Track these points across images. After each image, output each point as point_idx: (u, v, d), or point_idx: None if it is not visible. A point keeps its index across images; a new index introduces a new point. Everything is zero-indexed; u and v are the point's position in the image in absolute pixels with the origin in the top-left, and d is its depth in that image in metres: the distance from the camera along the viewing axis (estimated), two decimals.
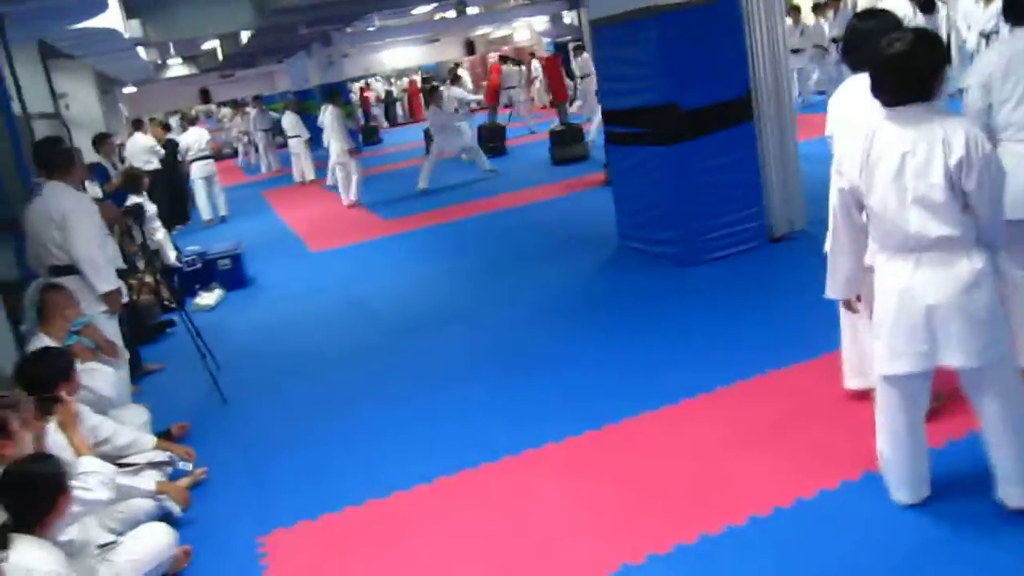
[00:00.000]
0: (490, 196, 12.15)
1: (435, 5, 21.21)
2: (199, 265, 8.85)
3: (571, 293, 7.01)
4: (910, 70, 2.84)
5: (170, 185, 13.35)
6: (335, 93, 16.24)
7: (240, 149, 26.01)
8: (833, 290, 3.30)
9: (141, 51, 12.50)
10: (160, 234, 9.23)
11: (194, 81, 28.68)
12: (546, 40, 27.46)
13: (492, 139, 16.80)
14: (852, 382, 4.19)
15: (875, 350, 3.09)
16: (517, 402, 5.00)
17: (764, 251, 7.03)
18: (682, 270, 6.88)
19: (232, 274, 8.92)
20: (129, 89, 24.74)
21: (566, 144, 14.01)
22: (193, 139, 13.79)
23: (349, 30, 22.18)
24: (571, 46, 25.02)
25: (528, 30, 29.83)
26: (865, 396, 4.10)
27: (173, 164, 13.63)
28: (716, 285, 6.45)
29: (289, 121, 17.16)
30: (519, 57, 28.80)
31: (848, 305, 3.39)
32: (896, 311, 2.94)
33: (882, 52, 2.86)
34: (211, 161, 13.92)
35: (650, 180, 7.08)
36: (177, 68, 25.19)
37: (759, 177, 7.03)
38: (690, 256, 6.89)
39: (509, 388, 5.22)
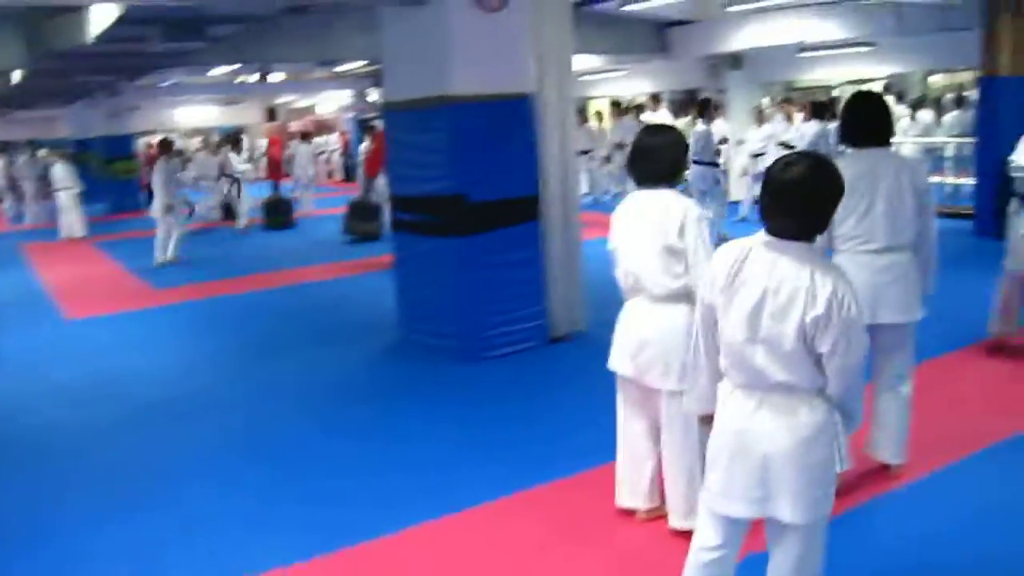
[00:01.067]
0: (271, 271, 11.60)
1: (236, 67, 20.62)
2: None
3: (344, 383, 6.62)
4: (799, 200, 2.59)
5: None
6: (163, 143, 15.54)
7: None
8: (690, 403, 3.08)
9: None
10: None
11: None
12: (348, 115, 27.27)
13: (277, 212, 16.25)
14: (625, 500, 4.06)
15: (707, 481, 2.89)
16: (260, 507, 4.51)
17: (544, 351, 6.96)
18: (461, 366, 6.67)
19: None
20: None
21: (361, 220, 13.69)
22: None
23: (140, 83, 21.11)
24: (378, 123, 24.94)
25: (332, 103, 29.61)
26: (633, 514, 4.00)
27: None
28: (492, 386, 6.27)
29: (60, 171, 15.91)
30: (318, 129, 28.51)
31: (704, 420, 3.13)
32: (732, 452, 2.74)
33: (775, 175, 2.62)
34: None
35: (434, 271, 6.88)
36: None
37: (543, 276, 7.00)
38: (470, 352, 6.71)
39: (254, 490, 4.73)
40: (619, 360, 3.91)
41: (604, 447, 4.17)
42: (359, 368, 6.98)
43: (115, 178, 20.93)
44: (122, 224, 18.49)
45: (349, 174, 27.29)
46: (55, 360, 7.69)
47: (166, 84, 23.10)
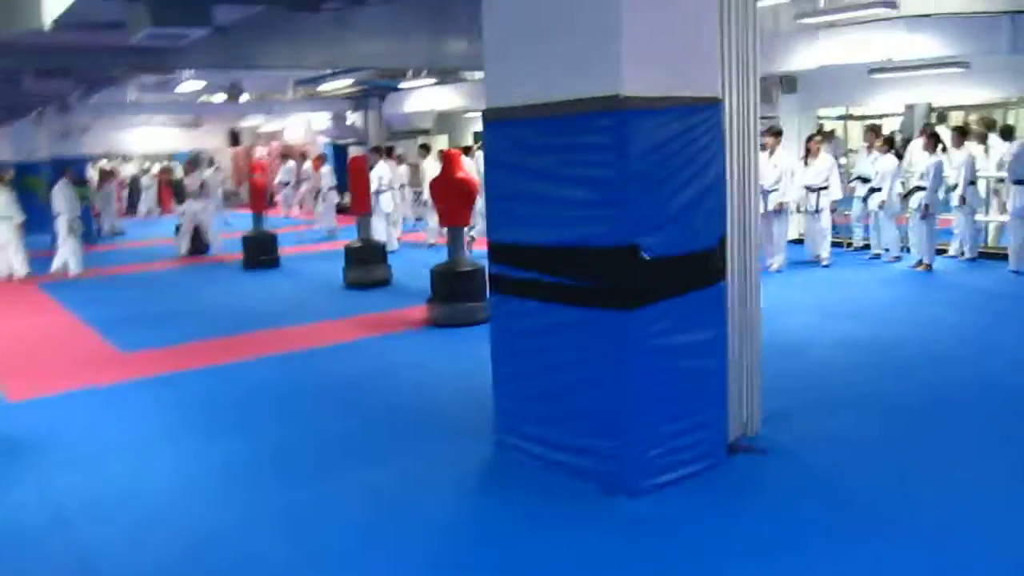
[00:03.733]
0: (269, 327, 9.21)
1: (204, 84, 18.25)
2: None
3: (424, 530, 4.30)
4: None
5: None
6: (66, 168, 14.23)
7: None
8: None
9: None
10: None
11: None
12: (323, 140, 24.91)
13: (261, 251, 13.84)
14: None
15: None
16: None
17: (725, 473, 4.75)
18: (612, 501, 4.43)
19: None
20: None
21: (364, 264, 11.40)
22: None
23: (94, 99, 18.61)
24: (355, 149, 22.67)
25: (303, 127, 27.22)
26: None
27: None
28: (669, 545, 4.02)
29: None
30: (290, 155, 26.11)
31: None
32: None
33: None
34: None
35: (570, 354, 4.63)
36: None
37: (724, 363, 4.81)
38: (625, 478, 4.46)
39: None
40: None
41: None
42: (442, 502, 4.65)
43: None
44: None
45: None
46: None
47: (122, 101, 20.58)
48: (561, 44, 4.44)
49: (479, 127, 20.81)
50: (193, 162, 18.56)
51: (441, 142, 21.30)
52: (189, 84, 17.06)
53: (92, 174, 21.88)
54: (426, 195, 15.84)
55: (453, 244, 8.80)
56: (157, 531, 4.36)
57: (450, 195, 8.63)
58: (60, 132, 18.43)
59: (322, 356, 7.93)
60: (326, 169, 19.61)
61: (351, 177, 11.57)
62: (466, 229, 15.18)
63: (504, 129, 4.85)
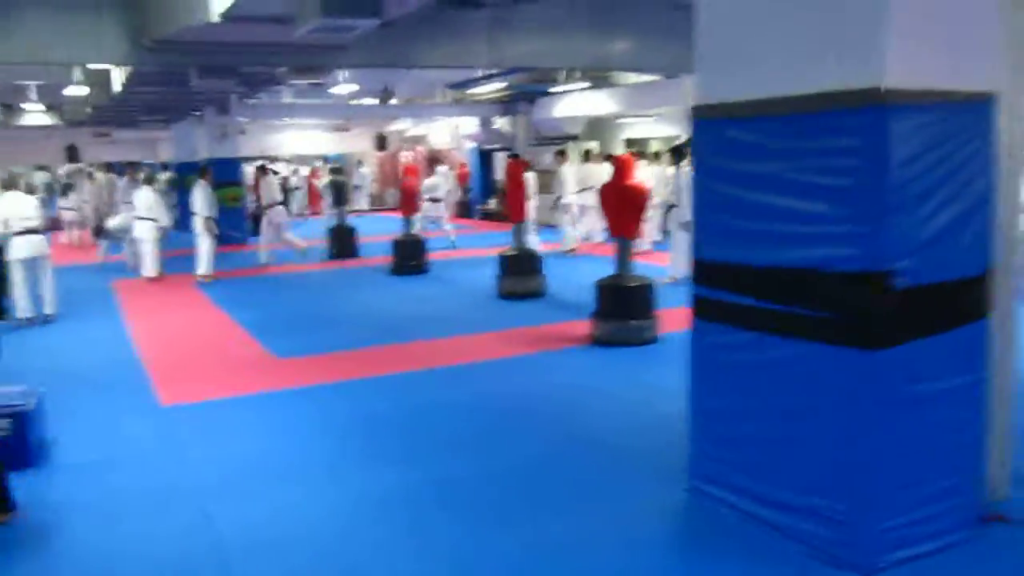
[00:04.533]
0: (425, 338, 8.79)
1: (356, 88, 18.25)
2: None
3: None
4: None
5: None
6: (203, 169, 14.14)
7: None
8: None
9: None
10: None
11: (60, 135, 24.60)
12: (470, 145, 24.72)
13: (410, 256, 13.56)
14: None
15: None
16: None
17: (976, 549, 3.93)
18: (834, 574, 3.69)
19: (10, 446, 5.22)
20: None
21: (519, 274, 10.90)
22: (10, 207, 9.95)
23: (251, 101, 18.94)
24: (503, 155, 22.37)
25: (449, 131, 27.16)
26: None
27: None
28: None
29: (142, 198, 13.54)
30: (438, 158, 26.03)
31: None
32: None
33: None
34: (37, 237, 10.11)
35: (794, 398, 3.92)
36: (36, 116, 21.23)
37: (983, 415, 4.00)
38: (860, 551, 3.71)
39: None
40: None
41: None
42: (630, 562, 3.97)
43: (222, 205, 18.58)
44: (228, 259, 16.10)
45: (466, 210, 24.74)
46: (141, 490, 4.94)
47: (278, 104, 20.91)
48: (801, 26, 3.73)
49: (630, 133, 20.20)
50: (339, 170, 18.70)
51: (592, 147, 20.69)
52: (343, 87, 17.05)
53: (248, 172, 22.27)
54: (566, 201, 15.34)
55: (622, 256, 8.15)
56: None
57: (621, 203, 8.00)
58: (218, 133, 18.78)
59: (483, 372, 7.42)
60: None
61: (509, 183, 11.09)
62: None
63: (719, 129, 4.17)
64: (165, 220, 13.83)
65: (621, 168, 8.07)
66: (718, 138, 4.19)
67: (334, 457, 5.43)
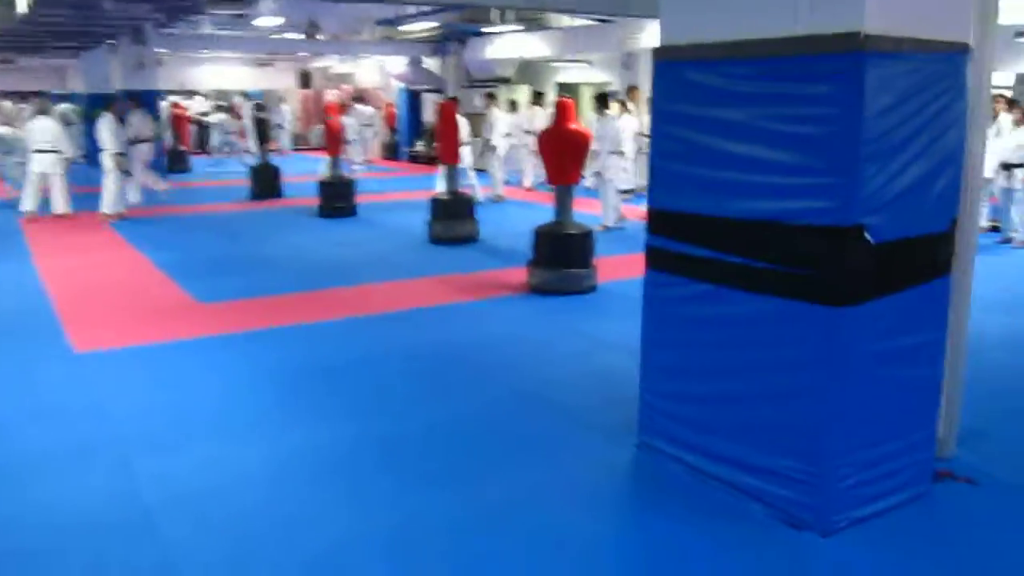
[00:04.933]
0: (355, 283, 8.49)
1: (281, 21, 17.51)
2: None
3: (559, 562, 3.50)
4: None
5: None
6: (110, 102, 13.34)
7: None
8: None
9: None
10: None
11: None
12: (398, 85, 24.07)
13: (337, 197, 13.13)
14: None
15: None
16: None
17: (929, 506, 3.90)
18: (794, 536, 3.61)
19: None
20: None
21: (451, 219, 10.62)
22: None
23: (169, 31, 18.03)
24: (432, 96, 21.87)
25: (376, 70, 26.44)
26: None
27: None
28: None
29: (39, 128, 12.59)
30: (364, 97, 25.30)
31: None
32: None
33: None
34: None
35: (755, 353, 3.79)
36: None
37: (942, 368, 3.94)
38: (821, 511, 3.62)
39: None
40: None
41: None
42: (579, 521, 3.81)
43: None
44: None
45: (392, 152, 24.18)
46: (60, 446, 4.59)
47: (197, 35, 19.98)
48: None
49: (562, 77, 19.89)
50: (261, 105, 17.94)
51: (522, 91, 20.35)
52: (266, 19, 16.35)
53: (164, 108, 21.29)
54: (495, 145, 15.02)
55: (561, 203, 7.94)
56: (248, 541, 3.66)
57: (563, 149, 7.77)
58: (133, 64, 17.83)
59: (418, 320, 7.17)
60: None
61: (441, 124, 10.74)
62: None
63: (682, 72, 3.95)
64: (69, 151, 13.02)
65: (562, 112, 7.82)
66: (681, 82, 3.97)
67: (262, 410, 5.14)
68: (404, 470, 4.31)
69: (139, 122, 14.38)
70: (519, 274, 8.40)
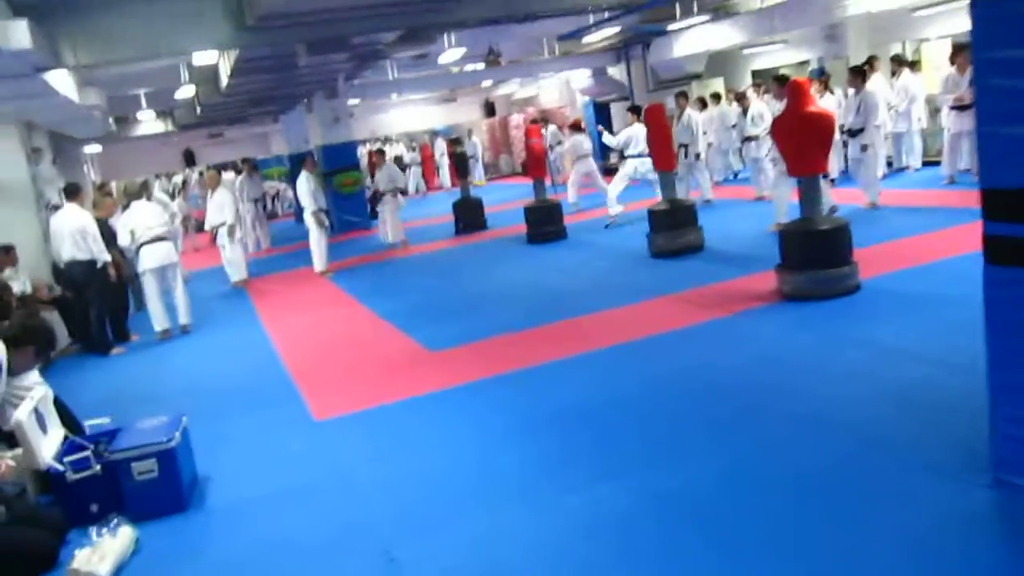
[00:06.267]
0: (587, 312, 7.86)
1: (463, 52, 17.36)
2: (92, 469, 4.55)
3: None
4: None
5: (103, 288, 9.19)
6: (304, 158, 13.34)
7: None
8: None
9: (58, 81, 8.28)
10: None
11: (177, 140, 24.72)
12: (584, 99, 23.54)
13: (545, 222, 12.62)
14: None
15: None
16: None
17: None
18: None
19: (156, 491, 4.58)
20: (92, 148, 20.59)
21: (673, 229, 9.84)
22: (138, 219, 9.51)
23: (358, 81, 18.34)
24: (619, 105, 21.21)
25: (556, 90, 26.09)
26: None
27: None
28: None
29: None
30: (548, 118, 24.98)
31: None
32: None
33: None
34: (166, 244, 9.66)
35: None
36: (150, 124, 21.23)
37: None
38: None
39: None
40: None
41: None
42: None
43: (338, 192, 18.09)
44: (351, 246, 15.63)
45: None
46: (313, 539, 4.20)
47: (384, 81, 20.26)
48: None
49: (759, 64, 18.68)
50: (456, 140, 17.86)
51: (716, 85, 19.30)
52: (449, 54, 16.19)
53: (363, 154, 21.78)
54: (699, 152, 13.96)
55: (809, 196, 7.02)
56: None
57: (804, 134, 6.86)
58: (330, 118, 18.23)
59: (668, 345, 6.44)
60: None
61: (651, 130, 10.01)
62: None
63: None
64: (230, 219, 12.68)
65: (798, 94, 6.91)
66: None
67: (524, 469, 4.56)
68: (711, 531, 3.58)
69: (252, 187, 14.54)
70: (764, 281, 7.54)
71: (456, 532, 3.93)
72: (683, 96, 15.50)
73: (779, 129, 7.11)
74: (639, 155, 12.91)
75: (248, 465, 5.26)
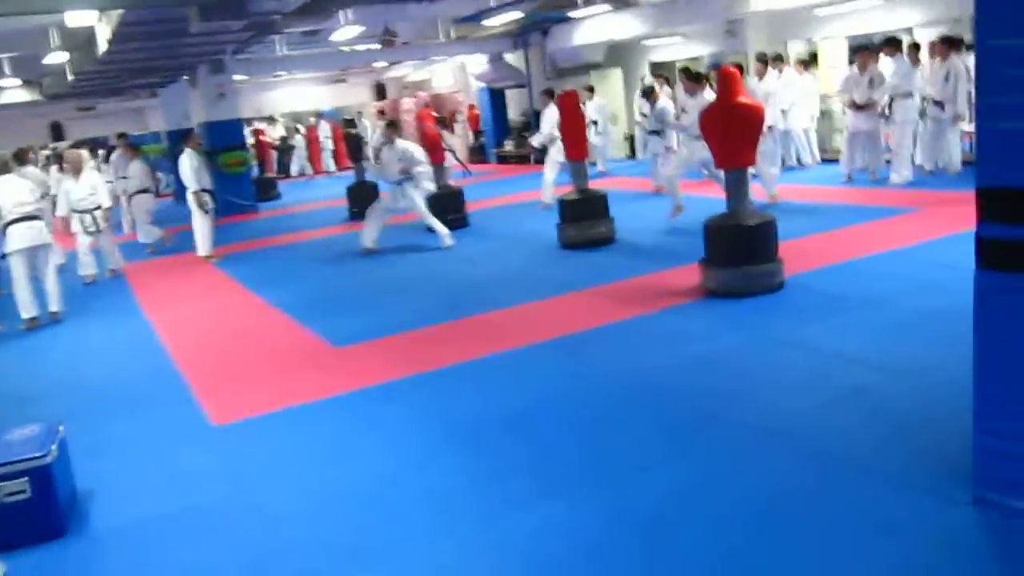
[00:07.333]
0: (499, 307, 7.43)
1: (360, 30, 16.68)
2: None
3: None
4: None
5: None
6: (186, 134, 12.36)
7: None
8: None
9: None
10: None
11: (44, 112, 23.00)
12: (479, 85, 23.11)
13: (448, 209, 12.12)
14: None
15: None
16: None
17: None
18: None
19: (28, 514, 3.93)
20: None
21: (584, 220, 9.53)
22: (7, 195, 8.58)
23: (245, 56, 17.41)
24: (515, 92, 20.90)
25: (450, 74, 25.56)
26: None
27: None
28: None
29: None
30: (442, 103, 24.49)
31: None
32: None
33: None
34: (38, 223, 8.74)
35: None
36: (15, 92, 19.64)
37: None
38: None
39: None
40: None
41: None
42: None
43: (224, 172, 17.07)
44: (234, 230, 14.77)
45: (482, 154, 23.23)
46: (216, 567, 3.65)
47: (273, 57, 19.34)
48: None
49: (657, 56, 18.62)
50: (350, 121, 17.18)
51: (614, 76, 19.18)
52: (344, 31, 15.48)
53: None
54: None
55: (736, 189, 6.79)
56: None
57: (730, 127, 6.62)
58: (214, 95, 17.22)
59: (592, 344, 6.09)
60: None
61: (564, 117, 9.66)
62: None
63: None
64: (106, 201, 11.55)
65: (728, 84, 6.66)
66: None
67: (452, 485, 4.11)
68: (674, 561, 3.22)
69: (139, 172, 13.69)
70: (683, 276, 7.32)
71: (399, 567, 3.46)
72: (590, 90, 15.34)
73: (708, 120, 6.85)
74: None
75: (137, 478, 4.63)
